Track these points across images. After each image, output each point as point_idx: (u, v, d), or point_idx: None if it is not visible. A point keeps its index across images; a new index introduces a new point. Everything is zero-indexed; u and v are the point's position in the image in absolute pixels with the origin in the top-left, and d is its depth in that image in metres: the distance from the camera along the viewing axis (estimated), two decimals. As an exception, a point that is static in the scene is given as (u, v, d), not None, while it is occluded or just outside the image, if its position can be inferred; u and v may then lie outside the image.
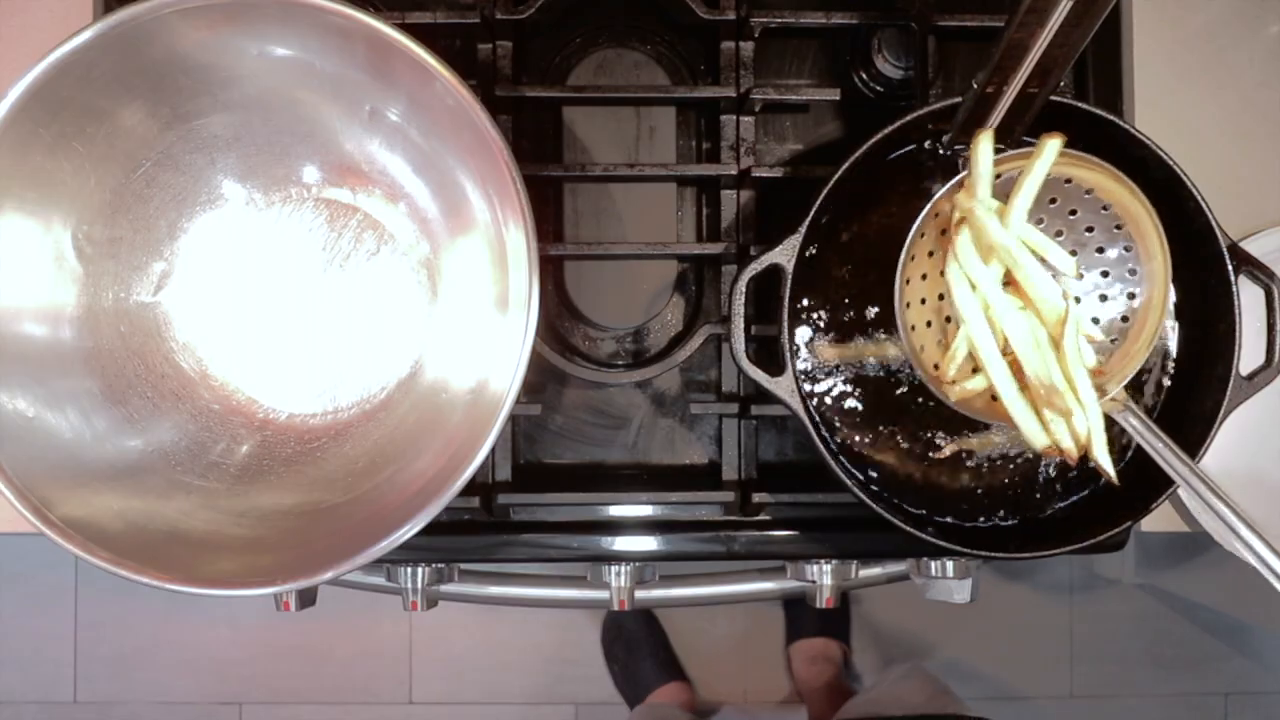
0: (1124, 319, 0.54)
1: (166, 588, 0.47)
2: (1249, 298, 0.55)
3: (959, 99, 0.52)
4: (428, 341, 0.59)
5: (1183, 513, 0.67)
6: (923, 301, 0.54)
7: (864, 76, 0.63)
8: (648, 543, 0.63)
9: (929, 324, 0.54)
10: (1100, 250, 0.54)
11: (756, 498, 0.61)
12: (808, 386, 0.58)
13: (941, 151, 0.56)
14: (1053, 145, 0.49)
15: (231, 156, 0.57)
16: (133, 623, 1.47)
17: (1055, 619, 1.51)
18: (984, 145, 0.49)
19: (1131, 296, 0.54)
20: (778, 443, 0.65)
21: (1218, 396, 0.55)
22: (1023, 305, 0.50)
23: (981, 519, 0.59)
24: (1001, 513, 0.59)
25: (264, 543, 0.52)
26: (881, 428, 0.58)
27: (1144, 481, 0.57)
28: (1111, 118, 0.55)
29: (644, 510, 0.63)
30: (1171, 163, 0.55)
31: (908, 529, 0.54)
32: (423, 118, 0.53)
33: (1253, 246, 0.64)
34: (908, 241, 0.50)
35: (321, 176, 0.58)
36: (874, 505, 0.54)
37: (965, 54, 0.65)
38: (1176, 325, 0.60)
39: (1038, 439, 0.49)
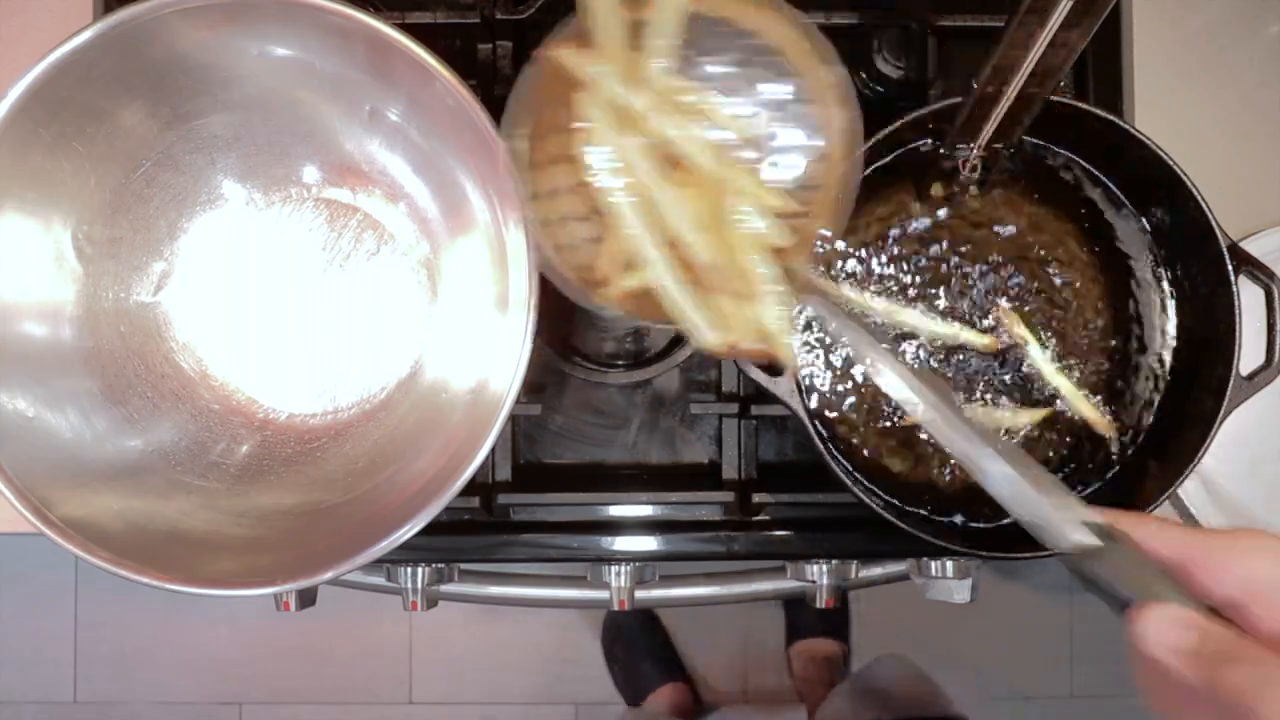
0: (809, 188, 0.44)
1: (166, 588, 0.47)
2: (1249, 298, 0.55)
3: (959, 99, 0.52)
4: (428, 341, 0.59)
5: (1183, 512, 0.67)
6: (573, 192, 0.43)
7: (864, 76, 0.63)
8: (648, 543, 0.63)
9: (585, 219, 0.44)
10: (778, 109, 0.44)
11: (756, 498, 0.61)
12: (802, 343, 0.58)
13: (942, 151, 0.56)
14: None
15: (231, 156, 0.57)
16: (133, 623, 1.47)
17: (1055, 619, 1.51)
18: None
19: (820, 161, 0.44)
20: (778, 443, 0.65)
21: (1218, 396, 0.55)
22: (684, 182, 0.41)
23: (982, 519, 0.59)
24: (1001, 512, 0.59)
25: (264, 543, 0.52)
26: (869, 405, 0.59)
27: (1144, 481, 0.57)
28: (1111, 118, 0.55)
29: (644, 510, 0.63)
30: (1171, 163, 0.55)
31: (907, 529, 0.54)
32: (423, 118, 0.53)
33: (1253, 246, 0.64)
34: (512, 110, 0.41)
35: (321, 176, 0.58)
36: (873, 505, 0.54)
37: (965, 54, 0.65)
38: (1176, 324, 0.60)
39: (711, 337, 0.42)
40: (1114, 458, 0.59)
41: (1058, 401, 0.59)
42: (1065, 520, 0.36)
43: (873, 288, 0.59)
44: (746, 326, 0.42)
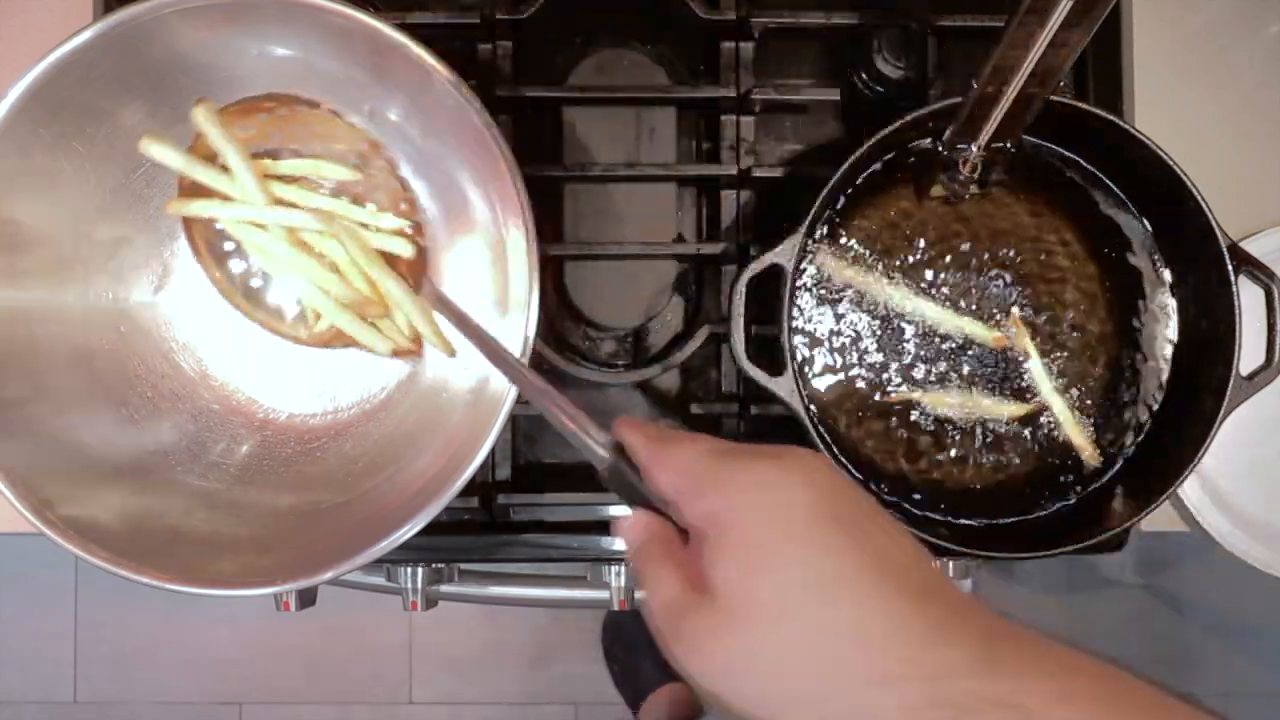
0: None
1: (166, 588, 0.47)
2: (1249, 298, 0.55)
3: (959, 99, 0.52)
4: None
5: (1183, 513, 0.67)
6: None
7: (864, 76, 0.63)
8: (648, 543, 0.63)
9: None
10: (357, 163, 0.54)
11: (756, 498, 0.61)
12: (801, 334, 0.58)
13: (942, 151, 0.56)
14: (200, 114, 0.49)
15: (231, 156, 0.57)
16: (133, 623, 1.47)
17: (1054, 619, 1.51)
18: (159, 148, 0.50)
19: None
20: (778, 443, 0.65)
21: (1218, 396, 0.55)
22: (323, 241, 0.52)
23: (981, 519, 0.59)
24: (1001, 512, 0.59)
25: (264, 543, 0.52)
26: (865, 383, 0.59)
27: (1144, 481, 0.57)
28: (1111, 118, 0.55)
29: (644, 510, 0.63)
30: (1171, 163, 0.55)
31: (908, 528, 0.54)
32: (423, 118, 0.53)
33: (1253, 246, 0.64)
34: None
35: (321, 176, 0.58)
36: (874, 505, 0.54)
37: (965, 54, 0.65)
38: (1176, 324, 0.60)
39: (379, 347, 0.54)
40: (1102, 473, 0.60)
41: (1046, 413, 0.60)
42: (591, 442, 0.40)
43: (879, 277, 0.59)
44: (401, 334, 0.54)
